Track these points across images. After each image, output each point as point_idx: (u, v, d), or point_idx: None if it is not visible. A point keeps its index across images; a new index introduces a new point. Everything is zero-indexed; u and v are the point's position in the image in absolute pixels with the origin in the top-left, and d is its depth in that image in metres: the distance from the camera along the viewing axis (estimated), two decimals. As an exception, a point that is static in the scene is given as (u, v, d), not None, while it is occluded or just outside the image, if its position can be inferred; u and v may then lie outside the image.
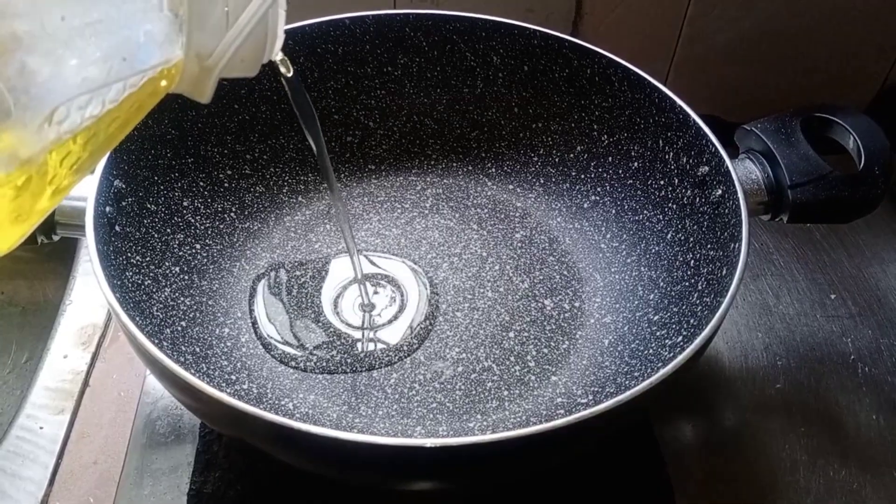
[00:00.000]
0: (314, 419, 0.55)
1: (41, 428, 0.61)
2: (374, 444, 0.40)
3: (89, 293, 0.71)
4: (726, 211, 0.56)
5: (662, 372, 0.44)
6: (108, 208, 0.54)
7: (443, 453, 0.41)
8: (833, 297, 0.72)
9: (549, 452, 0.45)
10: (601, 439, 0.47)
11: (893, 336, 0.69)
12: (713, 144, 0.59)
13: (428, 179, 0.76)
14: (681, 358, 0.45)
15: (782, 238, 0.77)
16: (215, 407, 0.42)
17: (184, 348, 0.55)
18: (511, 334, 0.63)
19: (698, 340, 0.46)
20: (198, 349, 0.57)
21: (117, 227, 0.55)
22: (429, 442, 0.40)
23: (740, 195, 0.55)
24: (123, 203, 0.57)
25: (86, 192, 0.52)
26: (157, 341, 0.51)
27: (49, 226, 0.55)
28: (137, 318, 0.51)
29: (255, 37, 0.37)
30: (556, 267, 0.68)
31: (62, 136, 0.29)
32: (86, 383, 0.65)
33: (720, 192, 0.58)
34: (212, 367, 0.56)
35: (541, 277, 0.67)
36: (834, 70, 0.86)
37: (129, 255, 0.56)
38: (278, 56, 0.42)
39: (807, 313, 0.71)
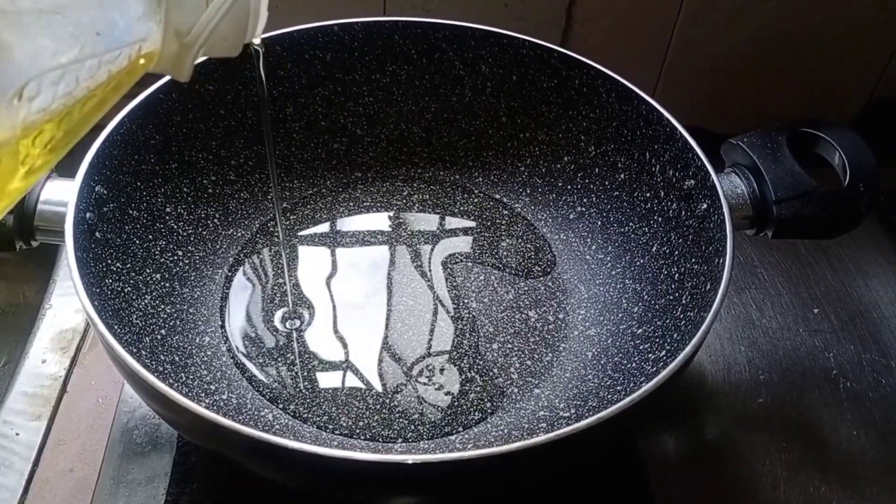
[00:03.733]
0: (294, 430, 0.55)
1: (17, 434, 0.60)
2: (354, 460, 0.40)
3: (69, 297, 0.70)
4: (711, 225, 0.56)
5: (644, 389, 0.43)
6: (88, 214, 0.53)
7: (424, 470, 0.40)
8: (816, 311, 0.72)
9: (530, 468, 0.45)
10: (583, 456, 0.47)
11: (875, 351, 0.69)
12: (699, 158, 0.59)
13: (415, 186, 0.75)
14: (664, 374, 0.44)
15: (766, 252, 0.77)
16: (190, 419, 0.41)
17: (163, 357, 0.55)
18: (495, 346, 0.62)
19: (682, 356, 0.46)
20: (177, 358, 0.56)
21: (98, 234, 0.55)
22: (410, 458, 0.40)
23: (725, 210, 0.55)
24: (105, 209, 0.56)
25: (66, 197, 0.52)
26: (135, 350, 0.51)
27: (28, 231, 0.54)
28: (115, 327, 0.51)
29: (235, 15, 0.36)
30: (541, 278, 0.68)
31: (34, 115, 0.28)
32: (64, 389, 0.64)
33: (705, 205, 0.57)
34: (191, 377, 0.55)
35: (525, 288, 0.67)
36: (821, 83, 0.86)
37: (109, 261, 0.55)
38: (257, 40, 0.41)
39: (790, 327, 0.71)
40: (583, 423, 0.41)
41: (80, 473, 0.58)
